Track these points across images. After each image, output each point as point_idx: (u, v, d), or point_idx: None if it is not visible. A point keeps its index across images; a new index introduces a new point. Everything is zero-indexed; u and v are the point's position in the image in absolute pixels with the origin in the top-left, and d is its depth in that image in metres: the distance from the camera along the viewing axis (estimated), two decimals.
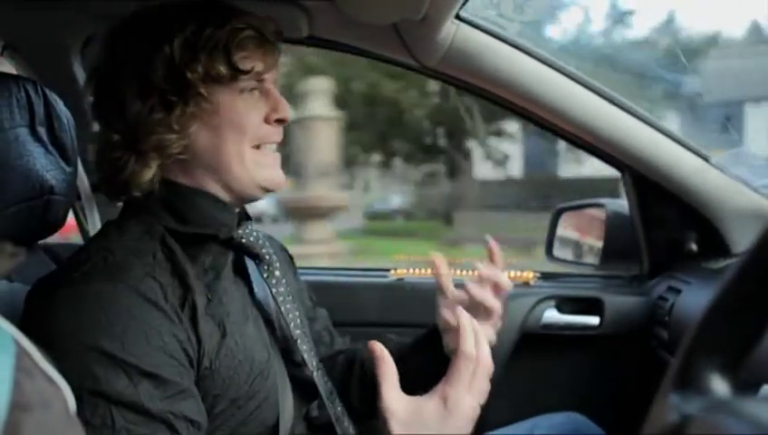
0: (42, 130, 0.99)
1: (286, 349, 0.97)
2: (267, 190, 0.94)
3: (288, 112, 0.94)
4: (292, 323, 0.97)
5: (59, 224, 1.05)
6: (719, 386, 0.46)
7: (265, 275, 0.96)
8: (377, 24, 1.28)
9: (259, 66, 0.91)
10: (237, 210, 0.96)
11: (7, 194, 0.94)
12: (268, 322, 0.96)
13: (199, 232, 0.90)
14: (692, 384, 0.46)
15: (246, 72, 0.89)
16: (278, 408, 0.91)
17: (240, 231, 0.94)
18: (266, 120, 0.92)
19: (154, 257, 0.85)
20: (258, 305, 0.95)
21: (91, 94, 0.92)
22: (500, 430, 1.29)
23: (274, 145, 0.95)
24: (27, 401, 0.43)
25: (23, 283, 0.99)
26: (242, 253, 0.95)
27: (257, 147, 0.92)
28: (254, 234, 0.96)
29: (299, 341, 0.97)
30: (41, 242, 1.09)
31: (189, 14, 0.88)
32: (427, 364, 1.01)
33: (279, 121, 0.94)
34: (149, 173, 0.87)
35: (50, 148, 1.00)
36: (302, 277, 1.20)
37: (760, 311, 0.46)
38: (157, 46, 0.86)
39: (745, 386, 0.48)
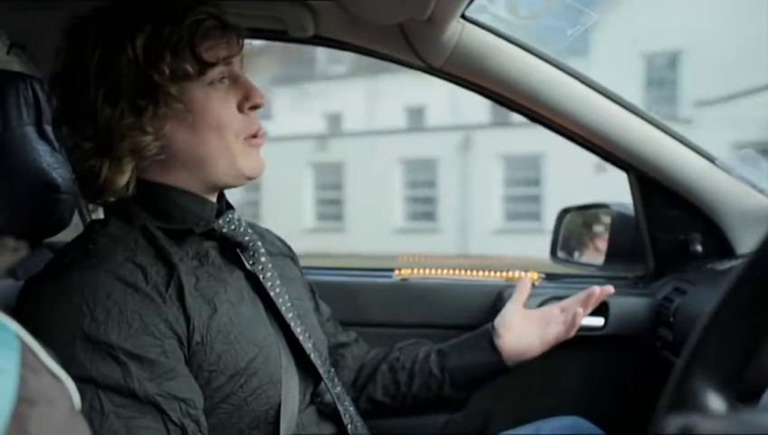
0: (48, 129, 1.00)
1: (286, 331, 0.98)
2: (251, 179, 0.95)
3: (261, 98, 0.92)
4: (283, 308, 0.97)
5: (65, 222, 1.05)
6: (716, 403, 0.46)
7: (251, 262, 0.96)
8: (382, 24, 1.28)
9: (224, 54, 0.90)
10: (215, 201, 0.97)
11: (14, 191, 0.94)
12: (267, 304, 0.96)
13: (176, 228, 0.91)
14: (689, 402, 0.46)
15: (213, 65, 0.88)
16: (281, 387, 0.92)
17: (220, 221, 0.94)
18: (240, 109, 0.92)
19: (135, 242, 0.87)
20: (257, 288, 0.96)
21: (57, 100, 0.91)
22: (503, 433, 1.28)
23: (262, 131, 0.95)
24: (33, 395, 0.44)
25: None
26: (225, 242, 0.95)
27: (249, 137, 0.92)
28: (235, 223, 0.96)
29: (292, 324, 0.97)
30: (47, 241, 1.09)
31: (146, 12, 0.87)
32: (474, 360, 1.17)
33: (253, 108, 0.93)
34: (124, 178, 0.87)
35: (56, 146, 1.01)
36: (306, 277, 1.20)
37: (754, 327, 0.47)
38: (119, 48, 0.84)
39: (747, 396, 0.48)
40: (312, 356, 0.98)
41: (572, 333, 1.17)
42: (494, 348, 1.16)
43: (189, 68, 0.86)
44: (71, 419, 0.49)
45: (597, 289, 1.17)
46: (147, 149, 0.87)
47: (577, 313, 1.15)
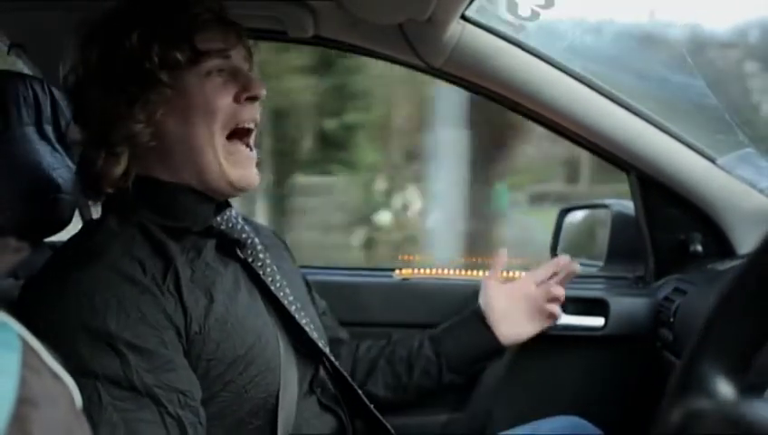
0: (48, 129, 1.00)
1: (285, 321, 0.99)
2: (239, 189, 0.96)
3: (259, 89, 0.94)
4: (285, 301, 0.99)
5: (65, 222, 1.05)
6: (725, 388, 0.46)
7: (250, 259, 0.97)
8: (382, 25, 1.28)
9: (218, 45, 0.92)
10: (215, 200, 0.98)
11: (14, 192, 0.95)
12: (266, 295, 0.98)
13: (174, 225, 0.92)
14: (698, 387, 0.46)
15: (205, 54, 0.91)
16: (280, 374, 0.93)
17: (218, 219, 0.96)
18: (236, 100, 0.93)
19: (133, 238, 0.88)
20: (255, 280, 0.97)
21: (68, 100, 0.96)
22: (501, 434, 1.28)
23: (250, 142, 0.97)
24: (34, 396, 0.43)
25: None
26: (222, 239, 0.96)
27: (230, 137, 0.93)
28: (233, 220, 0.98)
29: (293, 309, 0.99)
30: (47, 240, 1.09)
31: (146, 9, 0.91)
32: (470, 342, 1.20)
33: (250, 99, 0.94)
34: (120, 168, 0.90)
35: (56, 146, 1.01)
36: (306, 276, 1.20)
37: (764, 313, 0.46)
38: (117, 43, 0.89)
39: (751, 388, 0.47)
40: (318, 342, 1.01)
41: (559, 313, 1.23)
42: (487, 328, 1.20)
43: (179, 56, 0.89)
44: (72, 419, 0.49)
45: (562, 258, 1.25)
46: (139, 136, 0.89)
47: (553, 289, 1.21)
